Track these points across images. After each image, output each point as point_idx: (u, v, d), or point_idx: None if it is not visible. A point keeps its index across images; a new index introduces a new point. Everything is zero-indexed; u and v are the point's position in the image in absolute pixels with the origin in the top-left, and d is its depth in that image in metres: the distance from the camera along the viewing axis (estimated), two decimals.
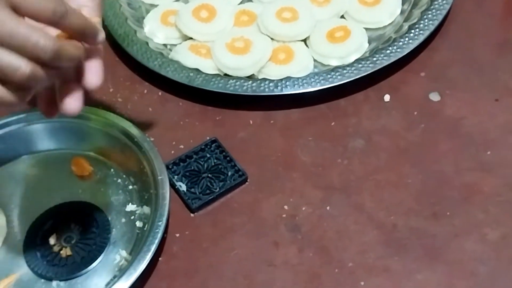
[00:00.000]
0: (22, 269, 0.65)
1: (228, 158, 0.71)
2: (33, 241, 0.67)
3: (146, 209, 0.67)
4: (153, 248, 0.61)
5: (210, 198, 0.68)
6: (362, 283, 0.62)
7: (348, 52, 0.79)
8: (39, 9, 0.47)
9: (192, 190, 0.69)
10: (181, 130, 0.75)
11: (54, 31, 0.50)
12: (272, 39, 0.81)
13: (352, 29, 0.80)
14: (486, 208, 0.66)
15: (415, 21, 0.80)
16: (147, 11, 0.87)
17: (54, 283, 0.64)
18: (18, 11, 0.47)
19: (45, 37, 0.47)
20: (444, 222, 0.65)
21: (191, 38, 0.82)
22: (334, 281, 0.62)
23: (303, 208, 0.68)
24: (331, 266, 0.63)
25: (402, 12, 0.84)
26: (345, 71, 0.75)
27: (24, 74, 0.47)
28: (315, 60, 0.80)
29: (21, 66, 0.47)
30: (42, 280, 0.64)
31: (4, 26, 0.46)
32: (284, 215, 0.67)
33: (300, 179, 0.70)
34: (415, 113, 0.75)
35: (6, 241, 0.67)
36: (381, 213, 0.67)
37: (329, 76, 0.75)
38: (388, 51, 0.77)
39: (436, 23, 0.79)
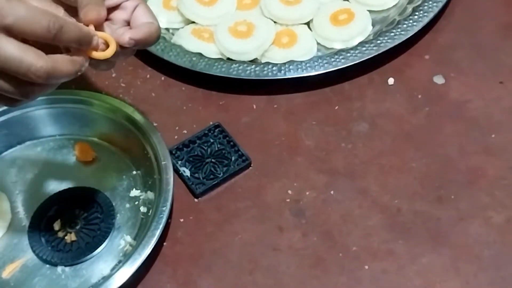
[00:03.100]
0: (27, 255, 0.66)
1: (231, 143, 0.71)
2: (38, 226, 0.67)
3: (150, 195, 0.67)
4: (158, 233, 0.62)
5: (214, 183, 0.68)
6: (367, 267, 0.62)
7: (351, 35, 0.78)
8: (33, 29, 0.47)
9: (196, 175, 0.69)
10: (184, 115, 0.75)
11: None
12: (275, 22, 0.80)
13: (355, 11, 0.80)
14: (491, 191, 0.66)
15: (419, 3, 0.79)
16: None
17: (59, 268, 0.64)
18: (12, 33, 0.47)
19: (37, 59, 0.47)
20: (448, 205, 0.65)
21: (193, 22, 0.82)
22: (339, 265, 0.62)
23: (307, 193, 0.68)
24: (335, 250, 0.63)
25: None
26: (349, 55, 0.75)
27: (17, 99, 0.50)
28: (318, 44, 0.79)
29: (14, 93, 0.49)
30: (47, 265, 0.65)
31: None
32: (288, 200, 0.67)
33: (304, 163, 0.70)
34: (420, 96, 0.74)
35: (11, 227, 0.68)
36: (385, 197, 0.67)
37: (332, 59, 0.75)
38: (392, 34, 0.76)
39: (441, 5, 0.79)
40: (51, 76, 0.48)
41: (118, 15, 0.56)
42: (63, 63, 0.49)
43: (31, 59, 0.47)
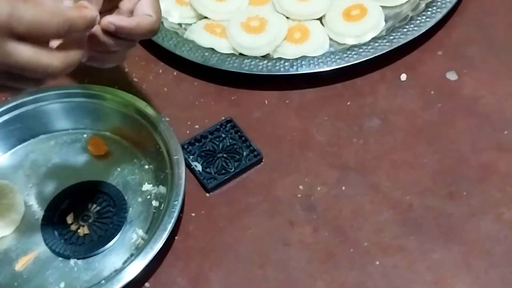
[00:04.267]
0: (40, 248, 0.66)
1: (243, 138, 0.71)
2: (51, 220, 0.67)
3: (162, 189, 0.67)
4: (169, 227, 0.62)
5: (226, 178, 0.69)
6: (377, 262, 0.62)
7: (364, 31, 0.78)
8: (44, 34, 0.48)
9: (208, 170, 0.69)
10: (196, 110, 0.75)
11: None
12: (287, 17, 0.80)
13: (368, 7, 0.80)
14: (502, 187, 0.66)
15: None
16: None
17: (72, 261, 0.65)
18: (23, 39, 0.47)
19: (52, 60, 0.48)
20: (460, 201, 0.65)
21: (206, 17, 0.82)
22: (349, 261, 0.62)
23: (319, 188, 0.68)
24: (346, 245, 0.63)
25: None
26: (361, 50, 0.75)
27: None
28: (331, 39, 0.79)
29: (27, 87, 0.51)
30: (60, 258, 0.65)
31: (12, 60, 0.47)
32: (299, 195, 0.67)
33: (315, 159, 0.70)
34: (432, 92, 0.74)
35: (24, 220, 0.68)
36: (397, 193, 0.66)
37: (345, 55, 0.75)
38: (405, 30, 0.76)
39: (454, 1, 0.78)
40: (65, 71, 0.49)
41: (124, 5, 0.57)
42: (71, 54, 0.50)
43: (47, 60, 0.48)
